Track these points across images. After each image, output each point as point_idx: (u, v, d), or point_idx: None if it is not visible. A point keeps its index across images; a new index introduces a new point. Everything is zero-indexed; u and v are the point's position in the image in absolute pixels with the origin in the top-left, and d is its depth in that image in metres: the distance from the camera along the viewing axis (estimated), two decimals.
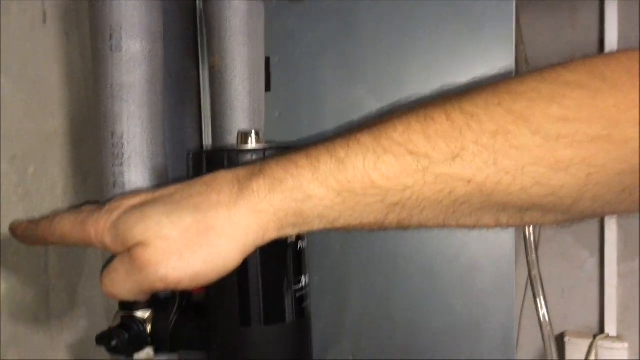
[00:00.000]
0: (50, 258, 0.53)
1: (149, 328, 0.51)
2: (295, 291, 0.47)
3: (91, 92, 0.50)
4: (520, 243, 0.94)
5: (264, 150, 0.44)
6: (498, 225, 0.35)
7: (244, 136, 0.47)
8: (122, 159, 0.48)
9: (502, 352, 0.65)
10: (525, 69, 0.88)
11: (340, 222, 0.34)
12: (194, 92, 0.70)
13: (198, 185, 0.35)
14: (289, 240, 0.46)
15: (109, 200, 0.47)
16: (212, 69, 0.60)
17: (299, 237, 0.48)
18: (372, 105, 0.65)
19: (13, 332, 0.49)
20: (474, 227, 0.35)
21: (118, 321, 0.51)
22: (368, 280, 0.68)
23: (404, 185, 0.32)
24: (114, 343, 0.48)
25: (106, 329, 0.50)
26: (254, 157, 0.44)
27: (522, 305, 1.33)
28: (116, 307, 0.49)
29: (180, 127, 0.66)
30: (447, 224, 0.35)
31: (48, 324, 0.53)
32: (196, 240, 0.33)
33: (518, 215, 0.34)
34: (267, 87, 0.67)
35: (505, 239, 0.64)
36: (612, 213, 0.33)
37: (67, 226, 0.36)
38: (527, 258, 0.80)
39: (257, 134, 0.47)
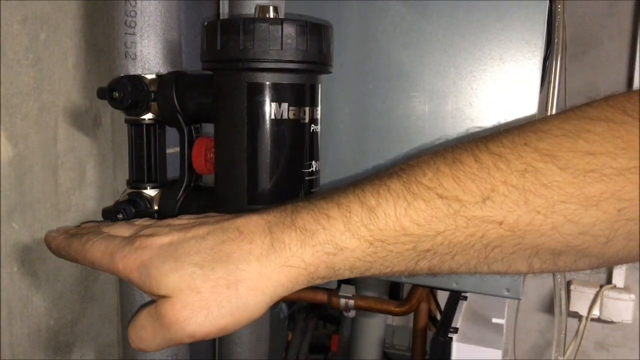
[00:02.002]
0: (59, 131, 0.53)
1: (155, 207, 0.51)
2: (305, 174, 0.46)
3: None
4: None
5: (281, 20, 0.43)
6: (531, 271, 0.34)
7: (262, 10, 0.45)
8: (134, 28, 0.46)
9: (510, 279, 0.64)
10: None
11: (372, 272, 0.34)
12: None
13: (230, 231, 0.34)
14: (302, 121, 0.45)
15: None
16: None
17: (312, 121, 0.46)
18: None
19: (18, 201, 0.49)
20: (505, 273, 0.35)
21: (125, 197, 0.51)
22: None
23: (435, 230, 0.32)
24: (120, 217, 0.48)
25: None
26: (270, 27, 0.42)
27: None
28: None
29: None
30: (478, 270, 0.34)
31: (56, 199, 0.53)
32: (226, 293, 0.32)
33: (551, 259, 0.33)
34: None
35: None
36: None
37: (96, 255, 0.36)
38: None
39: (275, 9, 0.45)
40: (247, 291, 0.33)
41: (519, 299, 0.67)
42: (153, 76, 0.48)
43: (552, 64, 0.85)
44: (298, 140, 0.45)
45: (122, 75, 0.47)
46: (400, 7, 0.60)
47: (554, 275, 1.03)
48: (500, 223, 0.31)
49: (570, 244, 0.31)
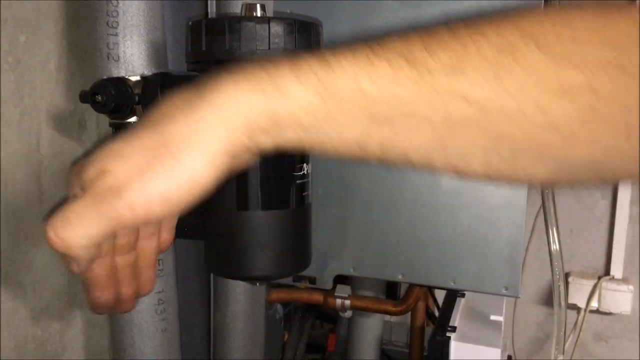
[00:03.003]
0: (42, 136, 0.51)
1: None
2: (296, 178, 0.45)
3: None
4: None
5: (268, 19, 0.41)
6: (486, 171, 0.31)
7: (249, 8, 0.44)
8: (116, 28, 0.45)
9: (508, 267, 0.63)
10: None
11: (319, 136, 0.30)
12: None
13: (159, 106, 0.31)
14: None
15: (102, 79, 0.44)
16: None
17: None
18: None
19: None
20: (461, 171, 0.31)
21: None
22: (373, 193, 0.66)
23: (395, 95, 0.29)
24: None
25: None
26: (257, 26, 0.41)
27: (528, 244, 1.32)
28: None
29: None
30: (434, 161, 0.31)
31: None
32: (155, 155, 0.29)
33: (510, 157, 0.30)
34: None
35: None
36: (609, 171, 0.30)
37: None
38: None
39: (262, 7, 0.44)
40: (178, 148, 0.29)
41: (517, 297, 0.66)
42: (137, 78, 0.46)
43: None
44: None
45: (105, 77, 0.46)
46: (393, 3, 0.58)
47: (552, 268, 1.03)
48: (467, 99, 0.28)
49: (533, 138, 0.29)
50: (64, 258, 0.31)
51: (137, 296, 0.38)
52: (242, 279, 0.53)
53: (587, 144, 0.29)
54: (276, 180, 0.44)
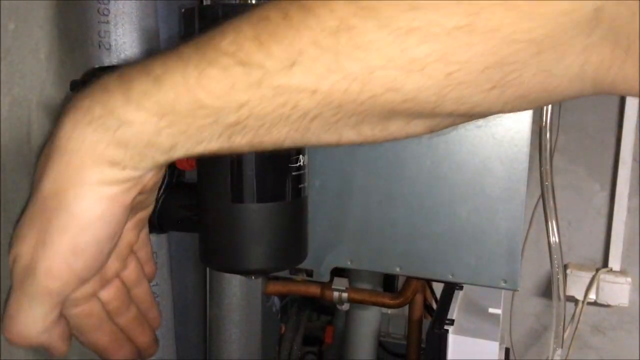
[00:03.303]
0: (33, 127, 0.50)
1: None
2: (292, 169, 0.44)
3: None
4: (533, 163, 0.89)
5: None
6: (363, 139, 0.30)
7: None
8: (108, 16, 0.44)
9: (507, 260, 0.62)
10: None
11: (181, 150, 0.29)
12: None
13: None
14: None
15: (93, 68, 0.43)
16: None
17: None
18: None
19: None
20: (338, 143, 0.31)
21: None
22: (370, 185, 0.65)
23: (237, 102, 0.27)
24: None
25: None
26: None
27: (527, 235, 1.31)
28: None
29: None
30: (307, 143, 0.30)
31: None
32: (46, 219, 0.29)
33: (380, 125, 0.30)
34: None
35: (520, 143, 0.60)
36: (483, 113, 0.29)
37: None
38: (540, 168, 0.76)
39: None
40: (57, 203, 0.29)
41: (516, 290, 0.65)
42: None
43: None
44: None
45: (97, 66, 0.45)
46: None
47: (551, 260, 1.02)
48: (313, 92, 0.26)
49: (395, 110, 0.28)
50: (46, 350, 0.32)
51: (154, 338, 0.39)
52: (238, 273, 0.52)
53: (453, 103, 0.27)
54: (272, 172, 0.43)
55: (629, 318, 1.31)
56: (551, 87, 0.27)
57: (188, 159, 0.49)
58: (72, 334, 0.34)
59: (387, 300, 0.71)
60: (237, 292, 0.59)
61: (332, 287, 0.72)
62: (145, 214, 0.37)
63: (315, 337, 0.97)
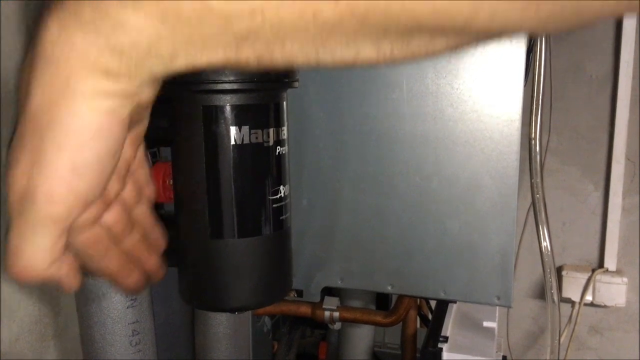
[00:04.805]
0: None
1: None
2: (272, 201, 0.42)
3: None
4: (525, 165, 0.88)
5: None
6: (382, 58, 0.28)
7: None
8: None
9: (499, 276, 0.61)
10: None
11: (182, 60, 0.27)
12: None
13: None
14: (266, 144, 0.41)
15: None
16: None
17: (278, 143, 0.42)
18: None
19: None
20: (354, 62, 0.28)
21: None
22: (359, 201, 0.64)
23: (250, 7, 0.24)
24: None
25: None
26: None
27: (521, 238, 1.30)
28: None
29: None
30: (321, 60, 0.28)
31: None
32: (38, 137, 0.26)
33: (402, 41, 0.27)
34: None
35: (509, 158, 0.59)
36: (515, 32, 0.26)
37: None
38: (530, 180, 0.75)
39: None
40: (52, 116, 0.26)
41: (509, 307, 0.64)
42: None
43: (536, 45, 0.82)
44: (263, 166, 0.41)
45: None
46: None
47: (543, 265, 1.01)
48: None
49: (422, 24, 0.25)
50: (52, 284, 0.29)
51: (160, 262, 0.37)
52: (220, 311, 0.50)
53: (486, 20, 0.25)
54: (251, 204, 0.42)
55: (627, 318, 1.30)
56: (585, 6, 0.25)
57: (165, 191, 0.47)
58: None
59: (379, 319, 0.70)
60: (223, 321, 0.57)
61: (323, 306, 0.71)
62: (141, 129, 0.34)
63: (309, 354, 0.95)
